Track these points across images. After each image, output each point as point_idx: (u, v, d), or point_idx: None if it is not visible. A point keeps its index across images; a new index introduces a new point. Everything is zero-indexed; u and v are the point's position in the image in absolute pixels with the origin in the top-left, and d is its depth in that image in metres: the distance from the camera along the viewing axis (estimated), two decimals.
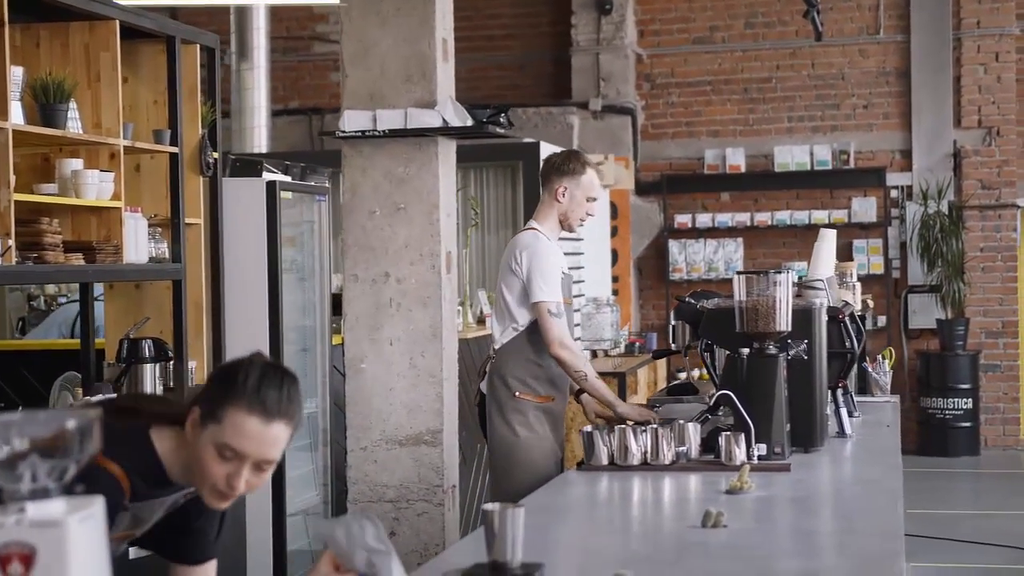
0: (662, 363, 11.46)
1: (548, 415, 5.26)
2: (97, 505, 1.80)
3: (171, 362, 5.54)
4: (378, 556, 2.53)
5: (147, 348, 5.39)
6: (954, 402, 12.31)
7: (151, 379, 5.38)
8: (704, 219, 12.97)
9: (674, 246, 13.01)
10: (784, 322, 4.40)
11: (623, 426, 4.34)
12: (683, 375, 12.37)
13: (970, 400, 12.33)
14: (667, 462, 4.24)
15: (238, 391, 2.59)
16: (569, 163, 5.35)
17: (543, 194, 5.42)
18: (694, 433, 4.35)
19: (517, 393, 5.23)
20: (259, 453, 2.60)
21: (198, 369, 5.85)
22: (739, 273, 4.48)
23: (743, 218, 12.90)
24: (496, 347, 5.34)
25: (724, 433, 4.25)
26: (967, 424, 12.34)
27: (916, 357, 12.68)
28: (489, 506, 2.73)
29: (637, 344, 11.29)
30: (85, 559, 1.76)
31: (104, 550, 1.82)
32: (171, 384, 5.58)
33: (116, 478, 2.61)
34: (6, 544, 1.71)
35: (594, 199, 5.39)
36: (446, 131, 5.81)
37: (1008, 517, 9.90)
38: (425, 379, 5.85)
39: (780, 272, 4.44)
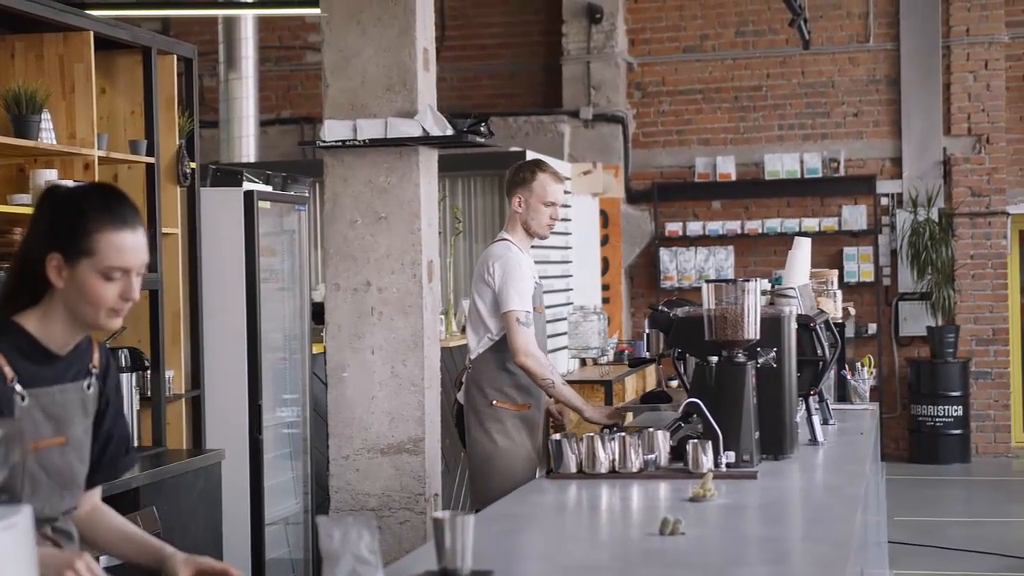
0: (651, 371, 11.47)
1: (525, 423, 5.33)
2: (23, 514, 1.82)
3: (148, 371, 5.55)
4: (364, 567, 2.55)
5: (124, 358, 5.41)
6: (944, 409, 12.31)
7: (128, 389, 5.39)
8: (695, 227, 12.99)
9: (665, 254, 13.03)
10: (753, 330, 4.41)
11: (591, 434, 4.35)
12: (675, 383, 12.38)
13: (960, 407, 12.34)
14: (635, 470, 4.25)
15: (93, 220, 2.68)
16: (519, 173, 5.49)
17: (509, 206, 5.53)
18: (663, 441, 4.36)
19: (494, 402, 5.32)
20: (137, 259, 2.72)
21: (175, 379, 5.87)
22: (708, 281, 4.50)
23: (734, 226, 12.92)
24: (472, 357, 5.43)
25: (692, 441, 4.26)
26: (958, 431, 12.35)
27: (907, 364, 12.69)
28: (439, 514, 2.76)
29: (627, 352, 11.30)
30: (9, 566, 1.77)
31: (31, 558, 1.83)
32: (148, 394, 5.59)
33: None
34: None
35: (552, 203, 5.45)
36: (427, 140, 5.83)
37: (998, 524, 9.90)
38: (407, 387, 5.86)
39: (748, 280, 4.45)
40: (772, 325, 4.56)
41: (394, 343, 5.85)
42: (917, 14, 12.68)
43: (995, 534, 9.39)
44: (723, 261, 12.95)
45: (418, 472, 5.84)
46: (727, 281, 4.47)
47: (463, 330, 8.17)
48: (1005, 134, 12.67)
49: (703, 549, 3.20)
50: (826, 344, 5.08)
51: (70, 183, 2.81)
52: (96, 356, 2.85)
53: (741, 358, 4.43)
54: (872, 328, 12.63)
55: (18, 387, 2.67)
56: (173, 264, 5.86)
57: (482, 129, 6.16)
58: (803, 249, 5.65)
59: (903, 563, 8.20)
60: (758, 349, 4.50)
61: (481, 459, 5.31)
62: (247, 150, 10.62)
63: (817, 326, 5.06)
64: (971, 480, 11.90)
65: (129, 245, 2.70)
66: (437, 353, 6.09)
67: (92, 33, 5.21)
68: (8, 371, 2.66)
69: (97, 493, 3.00)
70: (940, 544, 8.93)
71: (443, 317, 8.14)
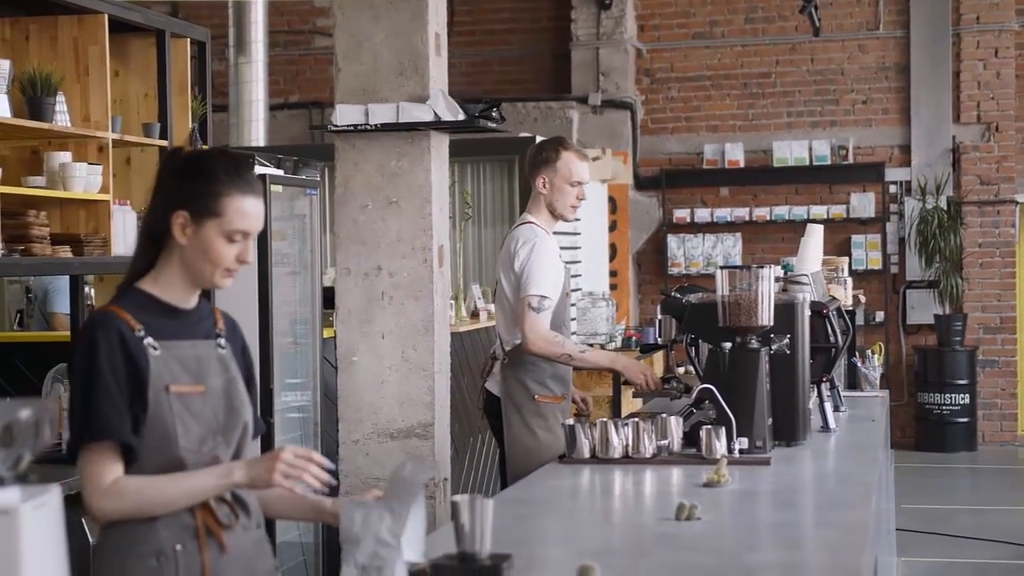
0: (659, 357, 11.48)
1: (563, 414, 5.22)
2: (53, 493, 1.82)
3: None
4: (385, 549, 2.57)
5: None
6: (951, 397, 12.32)
7: None
8: (703, 214, 12.99)
9: (673, 241, 13.03)
10: (766, 316, 4.41)
11: (604, 419, 4.35)
12: (681, 370, 12.39)
13: (967, 395, 12.34)
14: (648, 455, 4.25)
15: (223, 184, 2.81)
16: (542, 152, 5.30)
17: (532, 187, 5.37)
18: (676, 427, 4.36)
19: (537, 396, 5.17)
20: (258, 225, 2.86)
21: None
22: (722, 267, 4.49)
23: (742, 213, 12.91)
24: (507, 348, 5.24)
25: (705, 427, 4.26)
26: (964, 419, 12.35)
27: (914, 352, 12.69)
28: (458, 498, 2.76)
29: (634, 339, 11.30)
30: (39, 547, 1.78)
31: (60, 538, 1.84)
32: None
33: (113, 311, 2.81)
34: None
35: (578, 183, 5.27)
36: (438, 125, 5.82)
37: (1004, 512, 9.91)
38: (417, 372, 5.86)
39: (763, 267, 4.44)
40: (786, 311, 4.56)
41: (404, 328, 5.85)
42: (927, 2, 12.66)
43: (1001, 522, 9.40)
44: (731, 248, 12.94)
45: (427, 457, 5.84)
46: (741, 267, 4.47)
47: (473, 315, 8.18)
48: (1014, 122, 12.66)
49: (719, 534, 3.21)
50: (838, 331, 5.08)
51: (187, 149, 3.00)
52: (220, 321, 2.98)
53: (755, 344, 4.43)
54: (880, 316, 12.63)
55: (148, 339, 2.79)
56: None
57: (494, 114, 6.14)
58: (815, 236, 5.64)
59: (910, 550, 8.22)
60: (771, 335, 4.50)
61: (522, 453, 5.11)
62: (256, 134, 10.61)
63: (830, 313, 5.06)
64: (977, 468, 11.91)
65: (253, 210, 2.83)
66: (447, 338, 6.09)
67: (107, 16, 5.20)
68: (135, 323, 2.79)
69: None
70: (947, 532, 8.94)
71: (452, 302, 8.14)
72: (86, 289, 6.25)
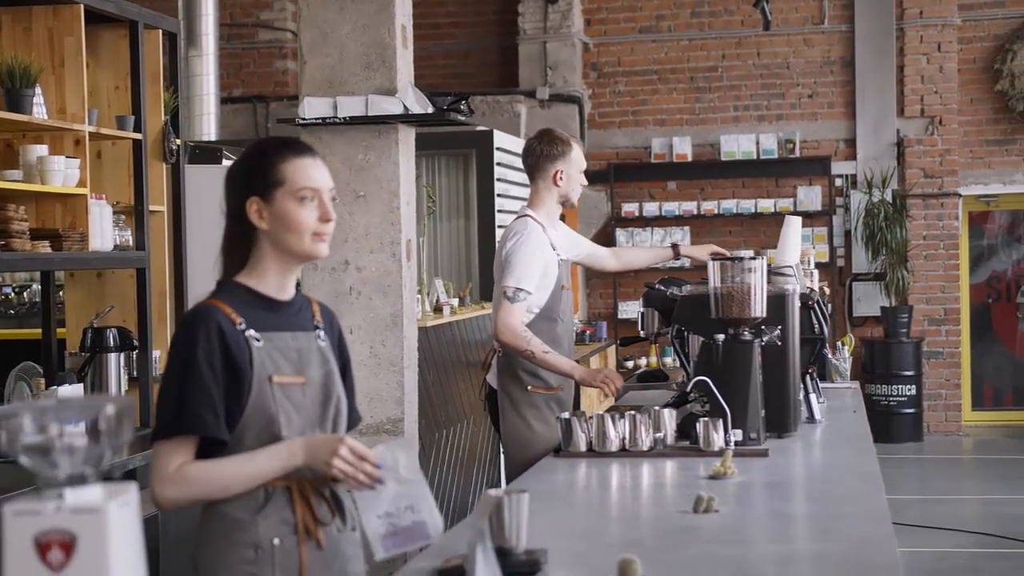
0: (612, 351, 11.53)
1: (560, 405, 5.20)
2: (132, 492, 1.78)
3: (135, 351, 5.47)
4: (408, 487, 2.56)
5: (112, 337, 5.32)
6: (898, 389, 12.45)
7: (115, 368, 5.31)
8: (651, 208, 13.02)
9: (621, 235, 13.05)
10: (759, 308, 4.42)
11: (601, 412, 4.34)
12: (630, 363, 12.43)
13: (913, 387, 12.48)
14: (645, 448, 4.25)
15: (275, 154, 2.87)
16: (556, 146, 5.31)
17: (536, 181, 5.34)
18: (670, 420, 4.36)
19: (529, 387, 5.19)
20: (325, 181, 2.89)
21: (162, 358, 5.78)
22: (714, 259, 4.49)
23: (690, 207, 12.96)
24: (502, 340, 5.17)
25: (702, 419, 4.26)
26: (911, 410, 12.49)
27: (860, 344, 12.80)
28: (494, 492, 2.73)
29: (587, 333, 11.34)
30: (124, 544, 1.74)
31: (140, 535, 1.79)
32: (135, 374, 5.51)
33: (214, 305, 2.83)
34: (46, 531, 1.70)
35: (583, 169, 5.41)
36: (407, 118, 5.79)
37: (952, 501, 10.04)
38: (386, 367, 5.84)
39: (755, 258, 4.45)
40: (776, 303, 4.57)
41: (373, 323, 5.82)
42: None
43: (950, 511, 9.53)
44: (679, 242, 12.97)
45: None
46: (734, 259, 4.46)
47: (436, 310, 8.14)
48: (957, 116, 12.81)
49: (743, 526, 3.20)
50: (823, 321, 5.10)
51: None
52: (317, 313, 2.99)
53: (747, 336, 4.43)
54: (827, 308, 12.72)
55: (250, 331, 2.82)
56: (159, 243, 5.77)
57: (462, 107, 6.12)
58: (795, 227, 5.66)
59: None
60: (763, 327, 4.50)
61: (519, 445, 5.14)
62: (208, 128, 10.47)
63: (814, 303, 5.08)
64: (924, 458, 12.05)
65: (311, 167, 2.87)
66: (416, 333, 6.06)
67: (82, 6, 5.10)
68: (236, 317, 2.82)
69: None
70: (896, 521, 9.02)
71: (418, 297, 8.10)
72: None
